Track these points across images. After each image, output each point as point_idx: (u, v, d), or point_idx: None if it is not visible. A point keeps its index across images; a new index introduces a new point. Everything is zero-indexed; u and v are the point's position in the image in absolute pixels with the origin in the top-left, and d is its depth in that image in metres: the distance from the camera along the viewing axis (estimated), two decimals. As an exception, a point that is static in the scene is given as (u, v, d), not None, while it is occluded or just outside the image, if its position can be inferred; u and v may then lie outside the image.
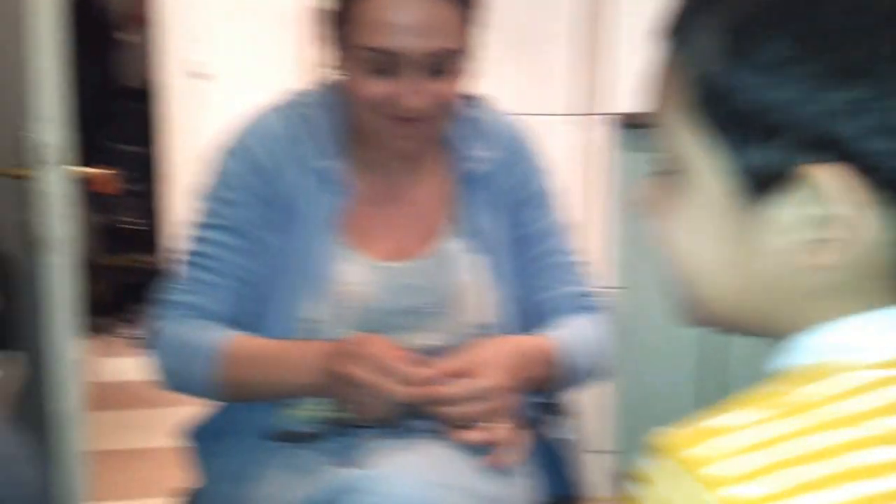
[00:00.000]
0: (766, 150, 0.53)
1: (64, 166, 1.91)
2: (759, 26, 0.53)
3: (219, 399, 1.33)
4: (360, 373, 1.16)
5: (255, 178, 1.33)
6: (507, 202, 1.39)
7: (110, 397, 3.87)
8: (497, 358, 1.24)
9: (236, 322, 1.34)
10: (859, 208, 0.52)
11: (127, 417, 3.71)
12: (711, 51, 0.54)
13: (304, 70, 4.98)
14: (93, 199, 3.84)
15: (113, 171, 2.58)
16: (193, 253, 1.35)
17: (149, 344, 1.35)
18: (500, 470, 1.23)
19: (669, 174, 0.60)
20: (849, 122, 0.51)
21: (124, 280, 5.25)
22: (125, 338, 4.86)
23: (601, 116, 2.60)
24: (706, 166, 0.56)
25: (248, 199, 1.33)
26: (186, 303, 1.33)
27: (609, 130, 2.60)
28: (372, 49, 1.21)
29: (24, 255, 1.96)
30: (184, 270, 1.35)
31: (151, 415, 3.83)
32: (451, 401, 1.20)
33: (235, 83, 4.93)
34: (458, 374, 1.22)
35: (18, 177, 1.89)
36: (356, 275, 1.32)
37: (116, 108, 5.49)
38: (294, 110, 1.36)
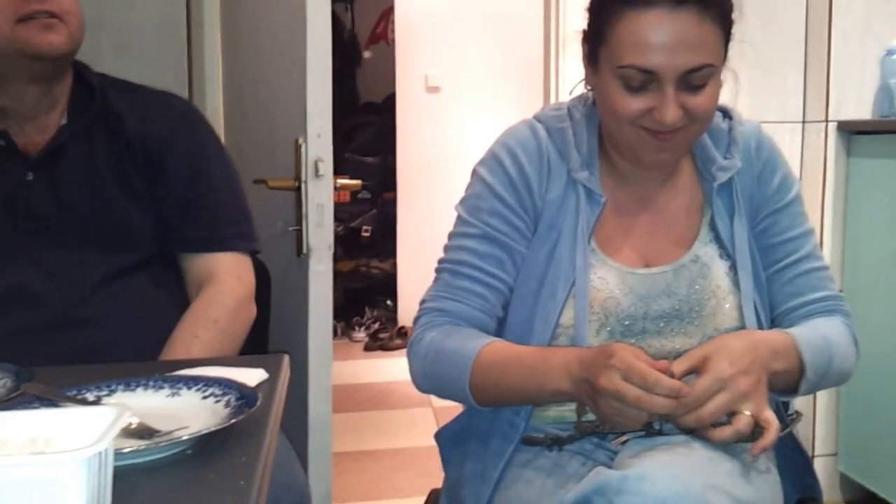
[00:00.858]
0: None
1: (329, 178, 1.99)
2: None
3: (473, 403, 1.35)
4: (621, 385, 1.14)
5: (511, 189, 1.38)
6: (753, 209, 1.41)
7: (344, 400, 4.03)
8: (727, 345, 1.22)
9: (492, 328, 1.39)
10: None
11: (359, 420, 3.82)
12: None
13: (542, 86, 5.03)
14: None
15: (362, 183, 2.67)
16: (451, 261, 1.40)
17: (409, 348, 1.41)
18: (757, 466, 1.23)
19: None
20: None
21: (357, 285, 5.46)
22: (357, 341, 5.05)
23: (831, 123, 2.69)
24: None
25: (504, 210, 1.38)
26: (444, 309, 1.38)
27: (838, 136, 2.69)
28: (632, 67, 1.24)
29: (284, 263, 2.06)
30: (443, 278, 1.41)
31: (384, 417, 3.95)
32: (698, 402, 1.18)
33: (467, 97, 5.04)
34: (692, 371, 1.21)
35: (289, 188, 1.98)
36: (611, 282, 1.35)
37: (356, 121, 5.73)
38: (549, 124, 1.41)
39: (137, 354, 1.45)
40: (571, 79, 3.98)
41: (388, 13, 5.64)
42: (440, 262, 1.43)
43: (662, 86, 1.24)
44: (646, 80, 1.24)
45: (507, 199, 1.38)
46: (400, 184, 5.09)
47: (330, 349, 2.08)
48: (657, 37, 1.22)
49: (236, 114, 2.46)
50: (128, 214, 1.56)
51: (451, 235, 1.44)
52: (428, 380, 1.38)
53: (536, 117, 1.43)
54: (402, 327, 5.06)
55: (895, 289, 2.53)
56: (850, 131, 2.68)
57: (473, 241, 1.39)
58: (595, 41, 1.31)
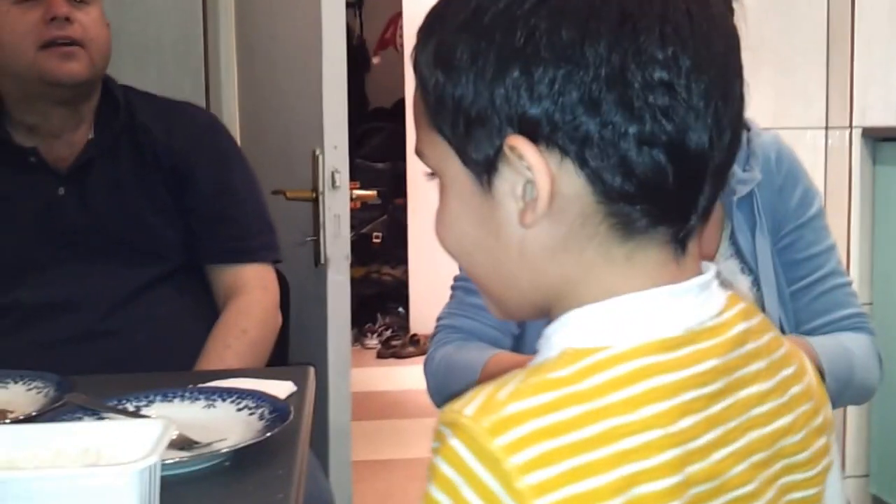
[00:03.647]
0: (475, 139, 0.61)
1: (345, 189, 2.02)
2: (448, 37, 0.61)
3: None
4: None
5: None
6: (776, 223, 1.39)
7: (358, 408, 4.04)
8: None
9: (506, 344, 1.39)
10: (544, 167, 0.58)
11: (374, 428, 3.84)
12: (427, 65, 0.63)
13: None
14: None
15: (377, 191, 2.70)
16: (465, 278, 1.41)
17: (424, 366, 1.42)
18: None
19: (435, 178, 0.68)
20: (518, 98, 0.58)
21: (369, 291, 5.48)
22: (370, 348, 5.07)
23: (855, 129, 2.61)
24: (449, 164, 0.64)
25: None
26: (457, 326, 1.40)
27: (863, 143, 2.61)
28: None
29: (302, 272, 2.09)
30: (457, 295, 1.43)
31: (398, 426, 3.97)
32: None
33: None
34: None
35: (306, 199, 2.01)
36: None
37: (366, 127, 5.76)
38: None
39: (165, 362, 1.48)
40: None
41: (396, 18, 5.66)
42: (455, 279, 1.44)
43: None
44: None
45: None
46: (410, 189, 5.11)
47: (349, 358, 2.11)
48: None
49: (252, 124, 2.49)
50: (155, 226, 1.60)
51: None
52: (440, 395, 1.39)
53: None
54: (415, 335, 5.08)
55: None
56: (876, 138, 2.58)
57: None
58: None
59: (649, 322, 0.60)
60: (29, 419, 1.10)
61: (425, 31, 0.64)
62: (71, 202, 1.57)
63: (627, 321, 0.60)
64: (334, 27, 1.95)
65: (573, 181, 0.59)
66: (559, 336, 0.62)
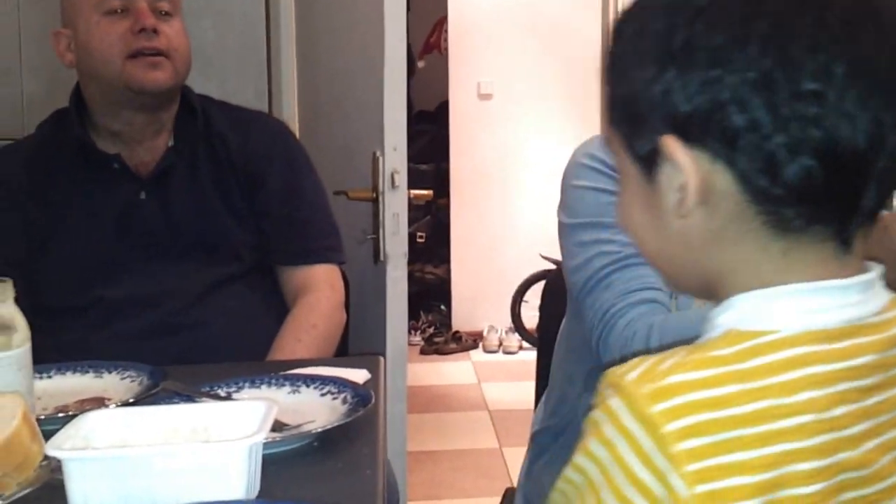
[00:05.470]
0: (638, 135, 0.67)
1: (404, 189, 2.10)
2: (620, 46, 0.70)
3: None
4: None
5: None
6: None
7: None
8: None
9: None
10: (692, 166, 0.64)
11: (419, 421, 3.92)
12: (606, 68, 0.71)
13: (597, 92, 5.07)
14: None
15: (431, 191, 2.78)
16: (607, 264, 1.33)
17: (640, 343, 1.27)
18: None
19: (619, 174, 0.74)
20: (673, 98, 0.63)
21: (412, 289, 5.55)
22: (413, 345, 5.15)
23: None
24: (623, 157, 0.70)
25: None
26: (648, 299, 1.30)
27: None
28: None
29: (361, 269, 2.17)
30: (610, 282, 1.32)
31: (442, 419, 4.05)
32: None
33: (518, 103, 5.12)
34: None
35: (367, 199, 2.09)
36: None
37: (411, 130, 5.83)
38: None
39: (238, 354, 1.57)
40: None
41: (441, 23, 5.74)
42: (589, 278, 1.34)
43: None
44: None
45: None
46: (453, 190, 5.19)
47: (405, 351, 2.19)
48: None
49: (313, 128, 2.58)
50: (231, 230, 1.69)
51: (579, 247, 1.36)
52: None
53: None
54: (457, 332, 5.16)
55: None
56: None
57: (605, 231, 1.33)
58: None
59: (812, 312, 0.64)
60: (127, 406, 1.18)
61: (612, 39, 0.72)
62: (152, 206, 1.67)
63: (792, 309, 0.64)
64: (396, 32, 2.03)
65: (724, 180, 0.63)
66: (723, 318, 0.66)
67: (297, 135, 2.55)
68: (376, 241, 2.12)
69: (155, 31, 1.58)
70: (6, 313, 1.03)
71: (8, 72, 2.14)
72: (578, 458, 0.64)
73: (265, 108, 2.43)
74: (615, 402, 0.61)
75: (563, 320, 1.58)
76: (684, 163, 0.63)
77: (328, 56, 2.50)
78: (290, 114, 2.55)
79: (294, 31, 2.60)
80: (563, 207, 1.41)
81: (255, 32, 2.47)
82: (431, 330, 5.23)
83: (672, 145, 0.64)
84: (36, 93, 2.14)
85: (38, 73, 2.16)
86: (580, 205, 1.38)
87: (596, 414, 0.63)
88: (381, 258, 2.12)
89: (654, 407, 0.59)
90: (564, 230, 1.40)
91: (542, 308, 1.84)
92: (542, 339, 1.80)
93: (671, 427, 0.59)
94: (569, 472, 0.65)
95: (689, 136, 0.63)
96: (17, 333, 1.03)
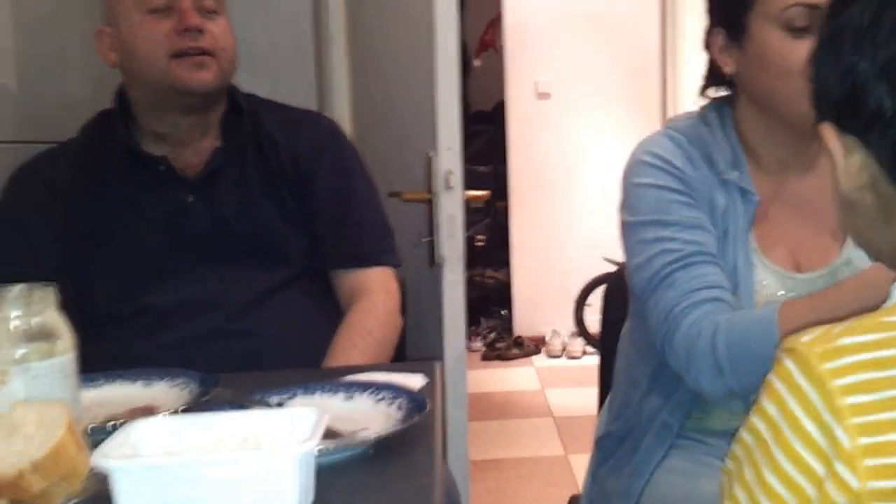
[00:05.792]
0: (821, 118, 0.75)
1: (459, 190, 2.05)
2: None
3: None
4: None
5: (678, 182, 1.34)
6: None
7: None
8: None
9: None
10: (839, 148, 0.73)
11: (482, 429, 3.86)
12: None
13: (657, 88, 4.98)
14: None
15: (487, 192, 2.72)
16: (667, 263, 1.31)
17: (688, 354, 1.27)
18: None
19: None
20: (829, 84, 0.73)
21: (472, 294, 5.50)
22: (475, 351, 5.10)
23: None
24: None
25: (683, 198, 1.35)
26: (712, 298, 1.28)
27: None
28: (798, 4, 1.25)
29: (417, 272, 2.12)
30: (673, 281, 1.30)
31: (506, 426, 3.99)
32: None
33: (577, 102, 5.05)
34: None
35: (421, 201, 2.05)
36: (771, 285, 1.34)
37: (468, 130, 5.80)
38: (686, 132, 1.39)
39: (292, 360, 1.52)
40: (689, 81, 3.95)
41: (496, 20, 5.69)
42: (652, 277, 1.32)
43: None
44: (811, 21, 1.23)
45: (682, 189, 1.34)
46: (512, 192, 5.13)
47: (464, 355, 2.14)
48: None
49: (365, 129, 2.54)
50: (281, 232, 1.64)
51: (641, 246, 1.35)
52: (736, 358, 1.22)
53: (671, 127, 1.42)
54: (519, 337, 5.09)
55: None
56: None
57: (673, 230, 1.32)
58: (738, 11, 1.29)
59: None
60: (177, 414, 1.15)
61: None
62: (200, 209, 1.62)
63: None
64: (448, 29, 1.98)
65: (868, 163, 0.71)
66: None
67: (349, 135, 2.52)
68: (432, 244, 2.08)
69: (200, 30, 1.54)
70: (49, 320, 1.00)
71: (51, 73, 2.12)
72: (752, 418, 0.70)
73: (315, 109, 2.39)
74: (789, 363, 0.67)
75: (626, 321, 1.54)
76: (833, 146, 0.70)
77: (380, 55, 2.47)
78: (342, 114, 2.51)
79: (344, 30, 2.57)
80: (625, 206, 1.39)
81: (303, 32, 2.44)
82: (493, 335, 5.17)
83: (826, 129, 0.71)
84: (80, 94, 2.12)
85: (82, 73, 2.15)
86: (641, 203, 1.36)
87: (770, 376, 0.69)
88: (437, 261, 2.07)
89: (824, 365, 0.65)
90: (626, 229, 1.38)
91: (604, 311, 1.79)
92: (605, 343, 1.77)
93: (838, 383, 0.64)
94: (742, 432, 0.71)
95: (840, 121, 0.71)
96: (60, 340, 0.99)
